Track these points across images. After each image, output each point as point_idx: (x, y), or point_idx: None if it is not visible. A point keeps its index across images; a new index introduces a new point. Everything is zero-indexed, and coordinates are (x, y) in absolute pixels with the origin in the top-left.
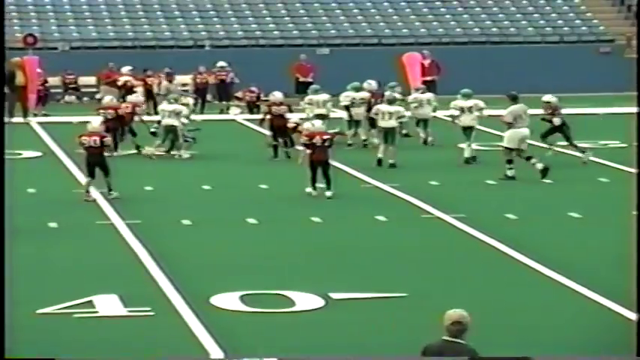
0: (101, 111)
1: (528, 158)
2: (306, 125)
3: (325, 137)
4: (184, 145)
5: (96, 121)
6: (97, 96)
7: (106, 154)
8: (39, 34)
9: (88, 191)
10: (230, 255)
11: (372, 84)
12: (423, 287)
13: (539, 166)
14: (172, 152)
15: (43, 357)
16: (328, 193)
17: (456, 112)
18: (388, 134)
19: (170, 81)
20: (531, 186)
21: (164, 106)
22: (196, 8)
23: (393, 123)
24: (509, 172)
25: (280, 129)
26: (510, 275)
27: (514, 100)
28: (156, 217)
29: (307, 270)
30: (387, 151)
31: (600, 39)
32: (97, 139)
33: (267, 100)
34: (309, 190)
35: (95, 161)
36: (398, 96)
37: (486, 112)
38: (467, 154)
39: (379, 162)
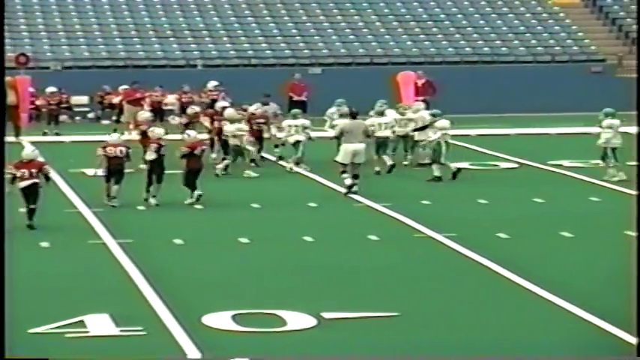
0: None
1: (355, 176)
2: (185, 136)
3: (203, 147)
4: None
5: (115, 135)
6: (123, 117)
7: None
8: (31, 54)
9: (109, 195)
10: (222, 274)
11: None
12: (416, 306)
13: (354, 189)
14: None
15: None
16: (190, 200)
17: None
18: (382, 143)
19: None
20: (523, 205)
21: (290, 121)
22: (189, 28)
23: (387, 132)
24: (347, 182)
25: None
26: (502, 294)
27: (344, 116)
28: (148, 237)
29: (299, 289)
30: (380, 160)
31: (592, 58)
32: (123, 149)
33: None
34: (191, 200)
35: (116, 170)
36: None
37: (474, 132)
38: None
39: (378, 172)
